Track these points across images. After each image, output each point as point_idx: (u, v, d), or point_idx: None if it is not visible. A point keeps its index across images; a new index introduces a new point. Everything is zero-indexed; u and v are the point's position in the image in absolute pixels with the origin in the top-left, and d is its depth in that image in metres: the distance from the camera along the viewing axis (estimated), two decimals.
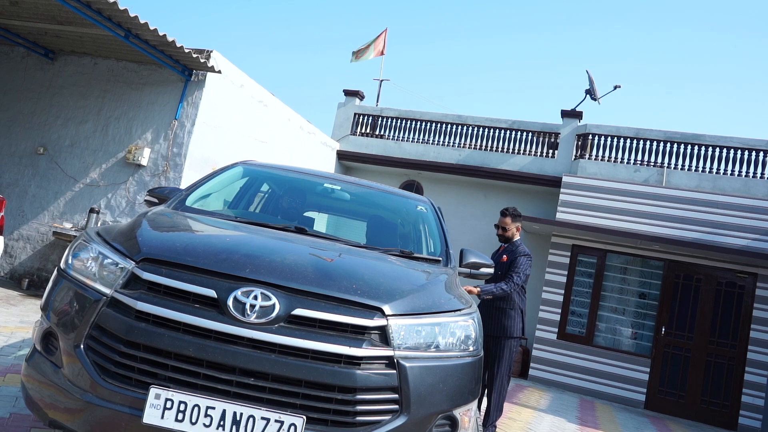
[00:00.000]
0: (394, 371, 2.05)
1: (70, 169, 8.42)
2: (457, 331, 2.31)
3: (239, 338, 1.97)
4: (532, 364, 10.27)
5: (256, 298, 2.01)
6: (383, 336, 2.08)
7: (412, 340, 2.15)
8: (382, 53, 13.32)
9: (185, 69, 7.87)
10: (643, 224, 10.00)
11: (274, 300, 2.02)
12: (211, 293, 2.02)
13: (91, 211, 7.73)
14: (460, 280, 2.94)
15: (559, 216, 10.44)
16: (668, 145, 10.72)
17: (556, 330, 10.26)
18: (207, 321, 1.97)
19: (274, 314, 2.00)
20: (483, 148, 12.01)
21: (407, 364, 2.07)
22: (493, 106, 52.24)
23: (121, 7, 6.11)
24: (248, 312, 1.98)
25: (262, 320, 1.98)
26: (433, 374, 2.14)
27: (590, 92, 11.48)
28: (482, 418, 4.62)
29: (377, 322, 2.08)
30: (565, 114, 11.56)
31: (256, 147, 9.38)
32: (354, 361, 2.00)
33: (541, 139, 11.66)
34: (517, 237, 4.91)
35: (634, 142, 10.89)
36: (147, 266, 2.10)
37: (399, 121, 12.74)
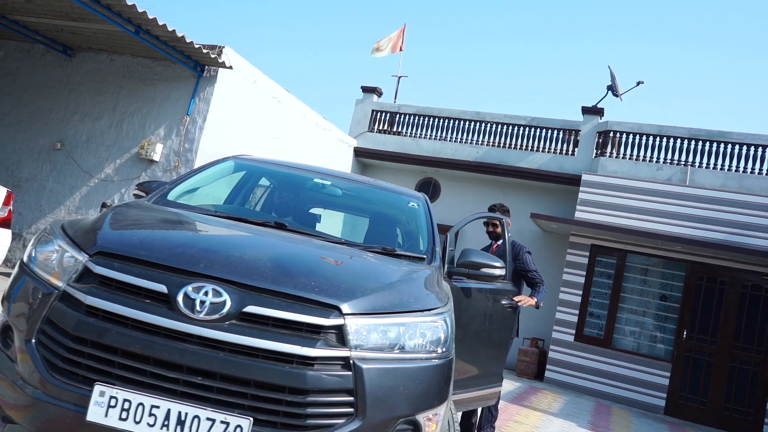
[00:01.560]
0: (350, 373, 1.96)
1: (85, 164, 8.52)
2: (425, 332, 2.21)
3: (188, 335, 1.90)
4: (548, 366, 10.07)
5: (206, 294, 1.94)
6: (340, 336, 1.99)
7: (373, 341, 2.06)
8: (400, 49, 13.20)
9: (197, 65, 7.90)
10: (665, 224, 9.70)
11: (225, 296, 1.94)
12: (162, 288, 1.95)
13: (103, 205, 7.77)
14: (441, 279, 2.83)
15: (578, 215, 10.20)
16: (692, 142, 10.37)
17: (574, 332, 10.04)
18: (155, 317, 1.90)
19: (224, 311, 1.92)
20: (501, 145, 11.81)
21: (364, 366, 1.98)
22: (513, 102, 51.37)
23: (129, 2, 6.13)
24: (198, 308, 1.91)
25: (212, 317, 1.91)
26: (394, 377, 2.04)
27: (612, 88, 11.18)
28: (478, 421, 4.50)
29: (333, 321, 1.98)
30: (586, 111, 11.29)
31: (270, 143, 9.37)
32: (307, 361, 1.91)
33: (561, 136, 11.41)
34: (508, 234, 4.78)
35: (657, 139, 10.57)
36: (100, 260, 2.05)
37: (417, 117, 12.61)
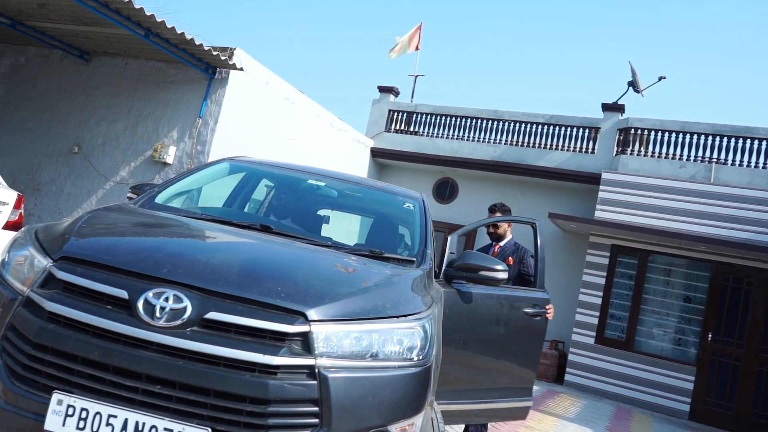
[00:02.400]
0: (315, 382, 1.88)
1: (102, 168, 8.62)
2: (401, 339, 2.12)
3: (147, 343, 1.84)
4: (568, 369, 9.86)
5: (167, 300, 1.88)
6: (305, 343, 1.92)
7: (342, 348, 1.97)
8: (416, 48, 13.08)
9: (208, 67, 7.92)
10: (688, 223, 9.41)
11: (186, 302, 1.88)
12: (123, 294, 1.90)
13: None
14: (430, 283, 2.73)
15: (598, 215, 9.96)
16: (717, 138, 10.04)
17: (594, 334, 9.80)
18: (115, 324, 1.85)
19: (185, 317, 1.86)
20: (520, 144, 11.61)
21: (330, 375, 1.89)
22: (531, 101, 50.17)
23: (137, 6, 6.16)
24: (158, 315, 1.86)
25: (172, 324, 1.85)
26: (363, 386, 1.95)
27: (633, 84, 10.90)
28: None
29: (298, 328, 1.91)
30: (606, 107, 11.03)
31: (283, 144, 9.36)
32: (269, 370, 1.84)
33: (580, 134, 11.17)
34: (509, 234, 4.62)
35: (680, 136, 10.26)
36: (64, 265, 2.01)
37: (434, 117, 12.49)
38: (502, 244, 4.54)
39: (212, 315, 1.88)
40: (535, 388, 8.96)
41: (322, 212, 3.65)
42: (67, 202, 8.74)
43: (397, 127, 12.75)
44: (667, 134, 10.34)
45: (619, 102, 11.01)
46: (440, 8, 48.61)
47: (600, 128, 11.00)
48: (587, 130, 11.13)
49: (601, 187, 10.07)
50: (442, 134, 12.31)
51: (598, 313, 9.82)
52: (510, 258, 4.34)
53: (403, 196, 3.71)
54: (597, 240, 10.04)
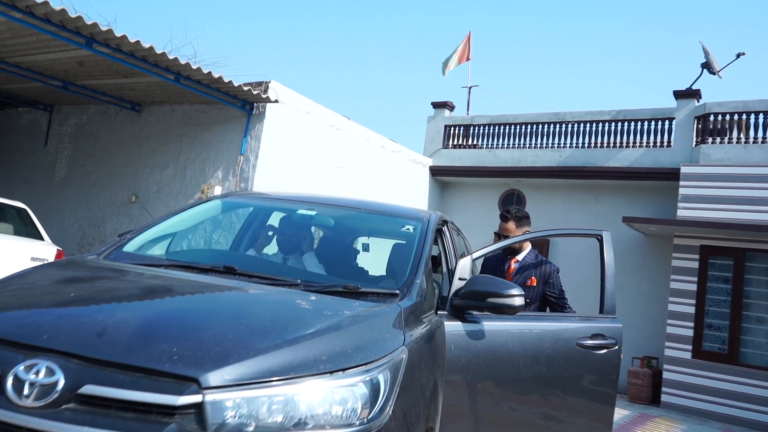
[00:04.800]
0: None
1: (157, 215, 8.77)
2: (343, 398, 1.70)
3: (13, 427, 1.55)
4: (664, 389, 8.84)
5: (38, 373, 1.58)
6: (200, 416, 1.55)
7: (255, 419, 1.59)
8: (467, 59, 12.61)
9: (245, 103, 7.88)
10: None
11: (58, 375, 1.57)
12: None
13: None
14: (409, 320, 2.28)
15: (681, 213, 8.96)
16: None
17: (690, 348, 8.74)
18: None
19: (56, 394, 1.55)
20: (586, 145, 10.77)
21: None
22: (595, 98, 46.51)
23: (158, 51, 6.19)
24: (26, 392, 1.56)
25: (41, 403, 1.55)
26: None
27: (707, 66, 9.83)
28: None
29: (188, 398, 1.54)
30: (679, 95, 10.00)
31: (331, 173, 9.16)
32: None
33: (652, 127, 10.19)
34: (528, 245, 3.83)
35: None
36: None
37: (492, 127, 11.90)
38: (519, 257, 3.72)
39: (88, 389, 1.55)
40: (625, 412, 8.08)
41: (313, 242, 3.28)
42: None
43: (455, 142, 12.27)
44: (753, 116, 9.19)
45: (694, 87, 9.96)
46: (485, 14, 47.06)
47: (674, 118, 9.99)
48: (660, 122, 10.14)
49: (681, 183, 9.07)
50: (503, 144, 11.69)
51: (692, 324, 8.76)
52: (532, 277, 3.60)
53: (406, 217, 3.28)
54: (683, 242, 9.02)
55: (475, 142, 12.09)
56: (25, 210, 6.50)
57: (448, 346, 2.68)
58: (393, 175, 10.80)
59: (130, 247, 2.89)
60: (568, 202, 10.91)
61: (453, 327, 2.74)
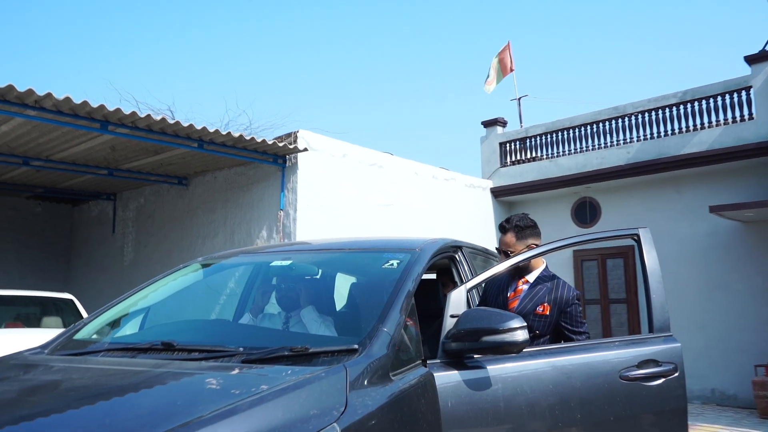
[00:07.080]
0: None
1: None
2: None
3: None
4: None
5: None
6: None
7: None
8: (511, 70, 11.98)
9: (277, 157, 7.72)
10: None
11: None
12: None
13: None
14: (374, 381, 1.78)
15: None
16: None
17: None
18: None
19: None
20: (655, 135, 9.75)
21: None
22: (655, 83, 41.62)
23: (171, 121, 6.13)
24: None
25: None
26: None
27: None
28: None
29: None
30: (752, 59, 8.84)
31: (379, 212, 8.77)
32: None
33: (727, 101, 9.06)
34: (542, 263, 2.96)
35: None
36: None
37: (549, 136, 11.12)
38: (530, 278, 2.91)
39: None
40: None
41: (282, 298, 2.85)
42: None
43: (513, 159, 11.57)
44: None
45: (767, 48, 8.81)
46: (520, 18, 44.84)
47: (751, 87, 8.82)
48: (736, 95, 9.00)
49: None
50: (563, 151, 10.87)
51: None
52: (544, 303, 2.78)
53: (393, 250, 2.78)
54: None
55: (533, 155, 11.35)
56: (71, 300, 6.56)
57: (444, 403, 2.14)
58: (450, 205, 10.25)
59: (83, 333, 2.61)
60: (647, 201, 9.86)
61: (447, 378, 2.20)
